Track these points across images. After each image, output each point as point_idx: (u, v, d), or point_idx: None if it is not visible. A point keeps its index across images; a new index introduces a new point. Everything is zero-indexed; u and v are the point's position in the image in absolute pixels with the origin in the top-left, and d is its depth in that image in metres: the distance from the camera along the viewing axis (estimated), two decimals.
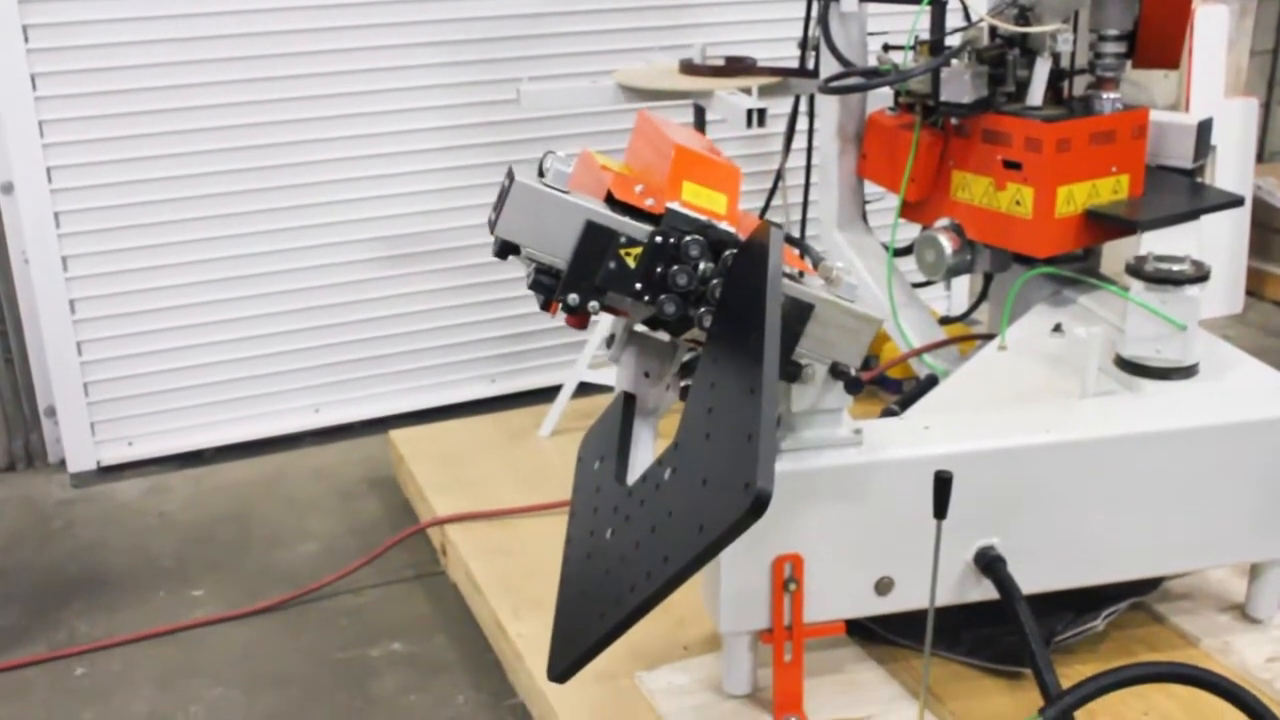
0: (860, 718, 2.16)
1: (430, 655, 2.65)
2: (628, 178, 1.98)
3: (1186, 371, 2.36)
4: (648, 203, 1.87)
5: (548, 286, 1.86)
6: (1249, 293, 4.65)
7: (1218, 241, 4.34)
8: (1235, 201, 2.78)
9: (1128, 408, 2.31)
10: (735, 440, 1.52)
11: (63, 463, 3.56)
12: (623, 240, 1.84)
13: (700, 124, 3.33)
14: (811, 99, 3.51)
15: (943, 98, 2.73)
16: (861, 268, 3.10)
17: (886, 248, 3.04)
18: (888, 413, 2.59)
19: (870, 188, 3.15)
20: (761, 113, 2.92)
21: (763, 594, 2.08)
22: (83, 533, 3.22)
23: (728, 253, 1.84)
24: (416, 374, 3.83)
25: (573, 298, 1.86)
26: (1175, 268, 2.33)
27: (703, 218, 1.85)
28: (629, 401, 2.02)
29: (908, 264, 3.01)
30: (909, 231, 2.94)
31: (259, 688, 2.56)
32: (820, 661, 2.26)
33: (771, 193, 3.79)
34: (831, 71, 2.91)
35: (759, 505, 1.42)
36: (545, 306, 1.88)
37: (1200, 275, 2.33)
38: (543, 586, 2.63)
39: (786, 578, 2.07)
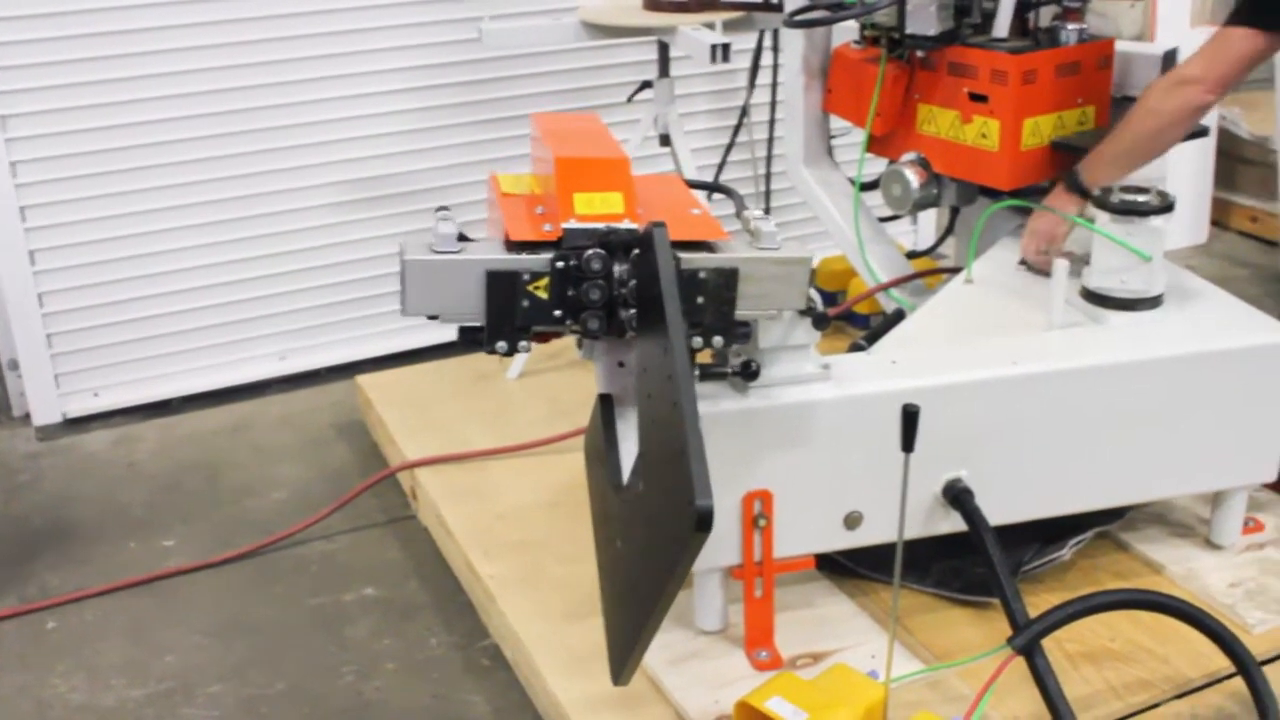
0: (831, 651, 2.18)
1: (403, 599, 2.65)
2: (531, 199, 1.97)
3: (1152, 302, 2.37)
4: (545, 229, 1.85)
5: (476, 341, 1.87)
6: (1214, 223, 4.66)
7: (1183, 172, 4.34)
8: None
9: (1093, 339, 2.32)
10: (673, 455, 1.53)
11: (27, 416, 3.52)
12: (527, 277, 1.83)
13: (664, 60, 3.30)
14: (776, 33, 3.48)
15: (908, 30, 2.71)
16: (828, 203, 3.09)
17: (853, 182, 3.03)
18: (855, 347, 2.59)
19: (836, 122, 3.13)
20: (726, 48, 2.89)
21: (733, 530, 2.09)
22: (50, 485, 3.20)
23: (634, 251, 1.82)
24: (382, 319, 3.79)
25: (501, 345, 1.86)
26: (1140, 199, 2.33)
27: (601, 225, 1.82)
28: (608, 402, 2.01)
29: (874, 198, 3.00)
30: (875, 166, 2.93)
31: (232, 635, 2.56)
32: (790, 596, 2.28)
33: (736, 130, 3.76)
34: (796, 5, 2.88)
35: (703, 523, 1.43)
36: (489, 352, 1.88)
37: (1165, 206, 2.33)
38: (513, 528, 2.64)
39: (756, 514, 2.08)
